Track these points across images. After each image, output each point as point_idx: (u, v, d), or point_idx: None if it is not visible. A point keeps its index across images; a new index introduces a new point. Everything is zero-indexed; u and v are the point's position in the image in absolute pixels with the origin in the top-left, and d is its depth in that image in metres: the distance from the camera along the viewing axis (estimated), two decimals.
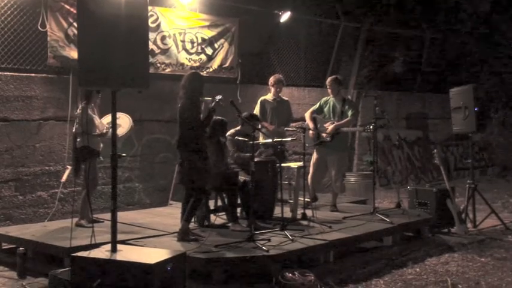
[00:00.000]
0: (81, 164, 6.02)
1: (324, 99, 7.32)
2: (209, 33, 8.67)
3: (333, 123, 7.02)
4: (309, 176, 7.16)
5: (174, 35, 8.27)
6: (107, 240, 4.14)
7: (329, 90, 7.21)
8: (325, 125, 7.06)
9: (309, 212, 6.37)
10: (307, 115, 7.25)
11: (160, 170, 8.20)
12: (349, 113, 7.05)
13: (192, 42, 8.47)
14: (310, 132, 7.04)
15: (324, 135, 6.97)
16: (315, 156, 7.25)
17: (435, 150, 8.22)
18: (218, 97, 5.59)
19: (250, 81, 9.46)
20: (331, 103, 7.18)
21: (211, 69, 8.65)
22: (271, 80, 7.56)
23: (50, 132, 7.16)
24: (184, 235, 5.33)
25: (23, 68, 7.03)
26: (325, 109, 7.21)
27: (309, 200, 6.66)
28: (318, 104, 7.31)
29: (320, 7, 10.81)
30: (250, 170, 5.30)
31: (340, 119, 7.05)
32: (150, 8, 7.26)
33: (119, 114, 5.48)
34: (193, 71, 7.42)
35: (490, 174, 13.62)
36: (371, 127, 6.59)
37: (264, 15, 9.40)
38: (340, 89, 7.23)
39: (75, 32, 6.60)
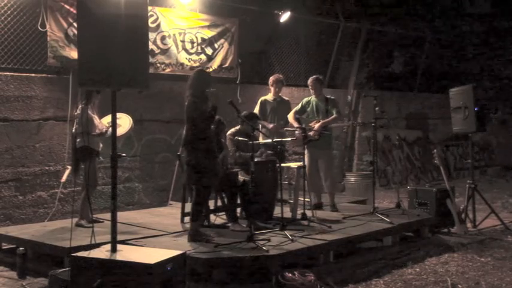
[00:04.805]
0: (81, 164, 6.02)
1: (306, 99, 7.32)
2: (209, 33, 8.67)
3: (319, 121, 7.03)
4: (307, 181, 7.10)
5: (174, 35, 8.27)
6: (106, 240, 4.14)
7: (312, 91, 7.21)
8: (310, 124, 7.05)
9: (308, 212, 6.37)
10: (290, 116, 7.22)
11: (160, 170, 8.20)
12: (334, 111, 7.07)
13: (192, 42, 8.47)
14: (297, 133, 7.02)
15: (311, 133, 6.96)
16: (306, 157, 7.18)
17: (435, 150, 8.21)
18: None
19: (250, 81, 9.46)
20: (314, 103, 7.19)
21: (211, 69, 8.65)
22: (271, 79, 7.57)
23: (49, 132, 7.16)
24: (195, 235, 5.28)
25: (23, 68, 7.04)
26: (308, 109, 7.22)
27: (309, 203, 6.62)
28: (299, 105, 7.30)
29: (320, 7, 10.82)
30: (250, 170, 5.29)
31: (326, 117, 7.06)
32: (150, 8, 7.28)
33: (119, 115, 5.48)
34: (199, 68, 7.39)
35: (490, 174, 13.62)
36: (358, 121, 6.58)
37: (264, 15, 9.40)
38: (322, 89, 7.25)
39: (75, 32, 6.61)
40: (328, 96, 7.30)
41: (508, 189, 11.00)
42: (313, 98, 7.22)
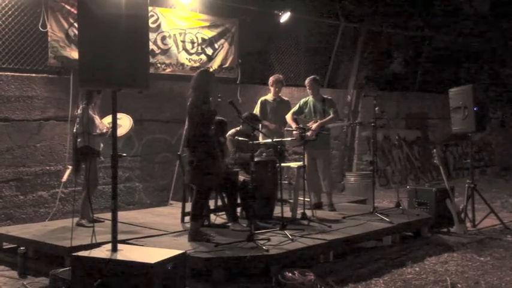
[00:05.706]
0: (82, 164, 6.04)
1: (303, 100, 7.34)
2: (209, 34, 8.69)
3: (316, 121, 7.04)
4: (306, 181, 7.11)
5: (174, 35, 8.28)
6: (107, 239, 4.16)
7: (309, 91, 7.23)
8: (308, 125, 7.07)
9: (308, 212, 6.38)
10: (288, 117, 7.24)
11: (161, 170, 8.22)
12: (331, 111, 7.09)
13: (192, 42, 8.48)
14: (294, 132, 7.03)
15: (309, 133, 6.97)
16: (306, 158, 7.18)
17: (435, 150, 8.23)
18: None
19: (250, 81, 9.47)
20: (311, 103, 7.21)
21: (211, 70, 8.66)
22: (271, 80, 7.59)
23: (50, 132, 7.18)
24: (195, 235, 5.30)
25: (23, 68, 7.05)
26: (306, 110, 7.24)
27: (309, 202, 6.63)
28: (297, 106, 7.32)
29: (320, 7, 10.83)
30: (250, 170, 5.31)
31: (323, 117, 7.08)
32: (150, 8, 7.28)
33: (119, 115, 5.49)
34: (203, 69, 7.40)
35: (490, 174, 13.63)
36: (356, 121, 6.58)
37: (264, 15, 9.41)
38: (319, 89, 7.27)
39: (76, 32, 6.61)
40: (325, 97, 7.32)
41: (507, 189, 11.01)
42: (310, 99, 7.25)
